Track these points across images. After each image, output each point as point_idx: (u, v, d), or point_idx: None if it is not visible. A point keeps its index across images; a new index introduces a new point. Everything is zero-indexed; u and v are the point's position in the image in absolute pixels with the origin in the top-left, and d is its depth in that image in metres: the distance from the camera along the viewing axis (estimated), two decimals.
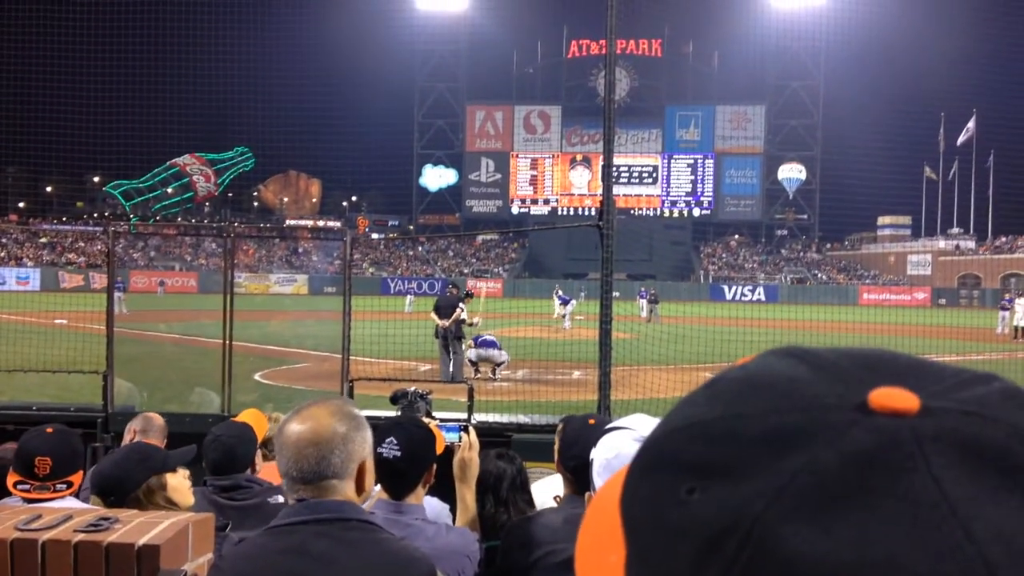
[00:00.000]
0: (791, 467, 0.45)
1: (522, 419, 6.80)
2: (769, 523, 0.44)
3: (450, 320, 16.15)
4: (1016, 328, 30.48)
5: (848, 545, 0.42)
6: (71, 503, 3.20)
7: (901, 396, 0.47)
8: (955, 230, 76.35)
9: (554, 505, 3.35)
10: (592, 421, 3.22)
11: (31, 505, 2.99)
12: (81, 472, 3.42)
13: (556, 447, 3.25)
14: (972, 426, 0.46)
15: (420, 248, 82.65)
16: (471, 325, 17.09)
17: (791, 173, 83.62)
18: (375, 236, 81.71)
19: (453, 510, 3.53)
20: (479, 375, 16.60)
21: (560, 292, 34.74)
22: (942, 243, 74.36)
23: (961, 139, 74.34)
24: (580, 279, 57.86)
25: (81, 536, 2.18)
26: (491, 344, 17.16)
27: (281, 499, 2.22)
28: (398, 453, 2.84)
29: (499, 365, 17.27)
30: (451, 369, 16.25)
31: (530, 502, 3.75)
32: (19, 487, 3.29)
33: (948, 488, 0.43)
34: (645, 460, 0.53)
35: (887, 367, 0.50)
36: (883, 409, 0.46)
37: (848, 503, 0.43)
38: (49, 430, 3.39)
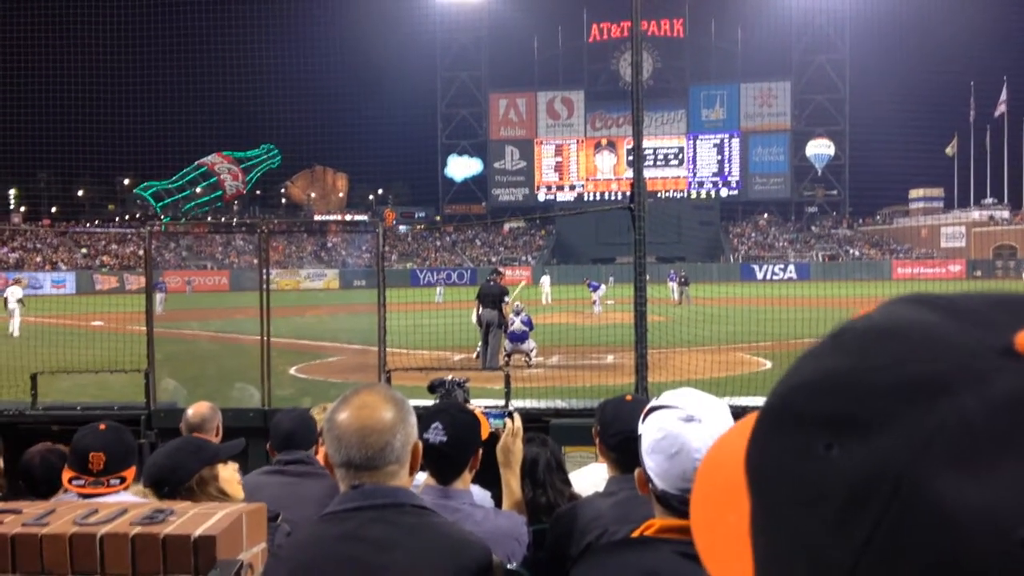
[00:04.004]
0: (936, 417, 0.43)
1: (559, 404, 6.82)
2: (919, 475, 0.42)
3: (502, 315, 16.57)
4: None
5: (1008, 492, 0.40)
6: (125, 497, 3.26)
7: None
8: (989, 200, 75.11)
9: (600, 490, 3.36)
10: (629, 398, 3.23)
11: (87, 500, 3.05)
12: (134, 467, 3.48)
13: (596, 431, 3.25)
14: None
15: (448, 239, 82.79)
16: (517, 313, 17.35)
17: (819, 149, 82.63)
18: (402, 228, 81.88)
19: (495, 497, 3.56)
20: (511, 364, 16.67)
21: (588, 280, 34.69)
22: (976, 214, 73.19)
23: (998, 111, 72.97)
24: (608, 264, 57.67)
25: (138, 529, 2.21)
26: (521, 336, 17.26)
27: None
28: (444, 438, 2.86)
29: (530, 352, 17.34)
30: (487, 355, 16.39)
31: (567, 481, 3.80)
32: (74, 483, 3.36)
33: None
34: (774, 416, 0.51)
35: None
36: None
37: (1003, 450, 0.41)
38: (102, 426, 3.45)
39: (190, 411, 4.81)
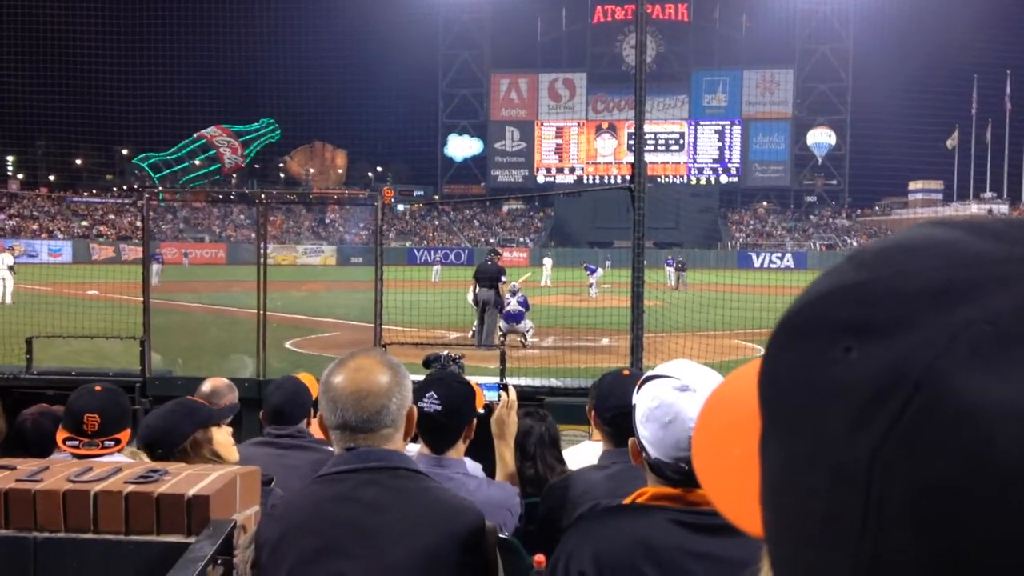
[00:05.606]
0: (961, 317, 0.42)
1: (554, 383, 6.82)
2: (940, 372, 0.41)
3: (499, 295, 16.57)
4: None
5: None
6: (119, 459, 3.26)
7: None
8: (988, 194, 75.07)
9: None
10: (626, 372, 3.24)
11: (81, 460, 3.05)
12: (128, 430, 3.48)
13: (590, 404, 3.26)
14: None
15: (446, 218, 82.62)
16: (513, 294, 17.30)
17: (820, 138, 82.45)
18: (400, 207, 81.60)
19: (486, 469, 3.57)
20: (506, 344, 16.69)
21: (586, 263, 34.82)
22: (975, 208, 73.09)
23: (1008, 107, 72.86)
24: (606, 248, 57.64)
25: (132, 487, 2.21)
26: (517, 316, 17.27)
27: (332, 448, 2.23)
28: (439, 407, 2.87)
29: (526, 333, 17.37)
30: (483, 335, 16.44)
31: (560, 458, 3.80)
32: (68, 443, 3.36)
33: None
34: (789, 327, 0.50)
35: None
36: None
37: None
38: (98, 388, 3.44)
39: (208, 383, 4.73)
